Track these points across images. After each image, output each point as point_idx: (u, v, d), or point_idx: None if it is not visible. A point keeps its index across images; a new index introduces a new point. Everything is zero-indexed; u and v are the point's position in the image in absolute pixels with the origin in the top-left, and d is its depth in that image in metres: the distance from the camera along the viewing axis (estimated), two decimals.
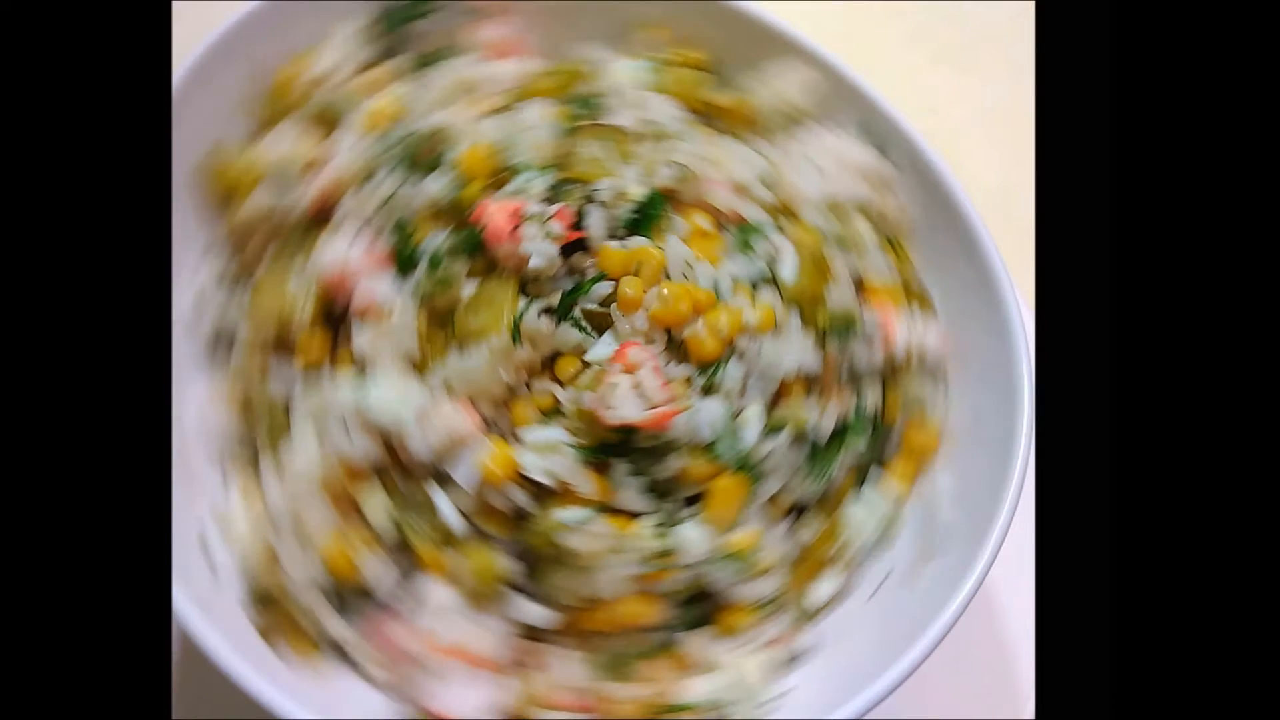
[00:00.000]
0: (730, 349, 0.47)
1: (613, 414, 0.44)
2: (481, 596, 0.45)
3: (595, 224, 0.49)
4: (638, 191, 0.50)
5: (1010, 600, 0.60)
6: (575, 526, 0.44)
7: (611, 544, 0.45)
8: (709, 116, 0.58)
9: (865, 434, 0.51)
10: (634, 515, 0.46)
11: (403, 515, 0.46)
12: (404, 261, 0.48)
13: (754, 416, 0.47)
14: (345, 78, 0.54)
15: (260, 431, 0.49)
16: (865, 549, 0.51)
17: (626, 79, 0.56)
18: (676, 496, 0.47)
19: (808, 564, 0.50)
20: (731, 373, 0.47)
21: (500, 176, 0.49)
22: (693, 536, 0.46)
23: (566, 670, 0.46)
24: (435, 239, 0.48)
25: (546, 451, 0.45)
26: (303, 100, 0.54)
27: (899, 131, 0.56)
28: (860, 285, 0.53)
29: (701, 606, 0.49)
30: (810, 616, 0.50)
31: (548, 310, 0.47)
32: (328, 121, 0.53)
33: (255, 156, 0.51)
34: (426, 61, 0.56)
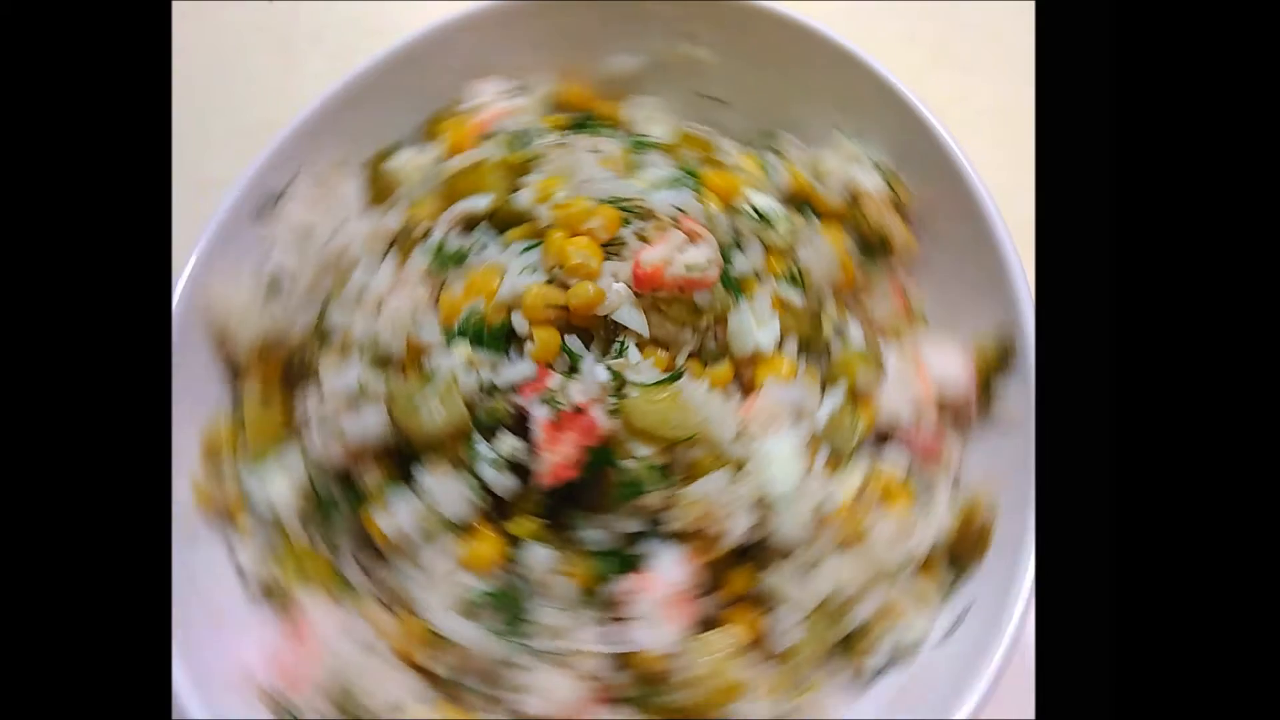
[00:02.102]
0: (620, 204, 0.52)
1: (710, 272, 0.50)
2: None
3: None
4: (460, 335, 0.50)
5: None
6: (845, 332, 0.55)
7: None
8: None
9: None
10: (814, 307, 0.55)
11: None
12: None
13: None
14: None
15: None
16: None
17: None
18: (794, 262, 0.55)
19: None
20: (650, 174, 0.54)
21: (461, 452, 0.49)
22: (823, 248, 0.56)
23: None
24: (537, 553, 0.48)
25: (757, 322, 0.52)
26: None
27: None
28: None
29: (880, 249, 0.58)
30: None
31: (611, 375, 0.49)
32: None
33: None
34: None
